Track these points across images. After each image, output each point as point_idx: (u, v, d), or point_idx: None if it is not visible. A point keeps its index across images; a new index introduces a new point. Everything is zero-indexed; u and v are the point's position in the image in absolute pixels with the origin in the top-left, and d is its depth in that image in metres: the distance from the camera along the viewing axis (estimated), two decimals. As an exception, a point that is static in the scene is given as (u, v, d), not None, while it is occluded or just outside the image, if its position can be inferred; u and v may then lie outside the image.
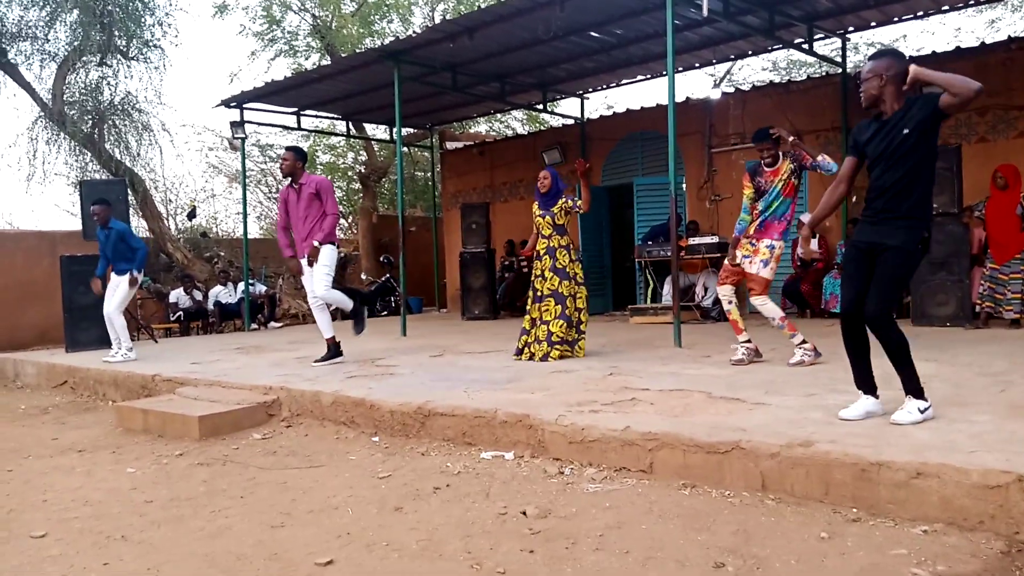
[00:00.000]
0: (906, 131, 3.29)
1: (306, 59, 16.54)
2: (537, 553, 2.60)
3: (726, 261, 5.63)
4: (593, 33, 9.26)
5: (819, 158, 5.21)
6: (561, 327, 5.97)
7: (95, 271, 7.96)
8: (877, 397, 3.52)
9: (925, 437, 3.07)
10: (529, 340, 6.08)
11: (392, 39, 11.87)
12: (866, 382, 3.54)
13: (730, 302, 5.54)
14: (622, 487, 3.27)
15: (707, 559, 2.47)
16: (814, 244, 9.09)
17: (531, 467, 3.66)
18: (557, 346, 5.96)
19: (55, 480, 4.00)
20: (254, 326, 12.05)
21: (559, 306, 5.96)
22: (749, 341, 5.51)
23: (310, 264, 6.20)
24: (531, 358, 6.02)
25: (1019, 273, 7.07)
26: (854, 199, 9.14)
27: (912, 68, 3.24)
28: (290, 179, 6.32)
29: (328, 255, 6.22)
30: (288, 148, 6.40)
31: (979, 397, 3.82)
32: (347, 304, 6.52)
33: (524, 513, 2.99)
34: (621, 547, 2.61)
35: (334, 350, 6.40)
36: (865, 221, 3.52)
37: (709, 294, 9.73)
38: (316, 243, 6.13)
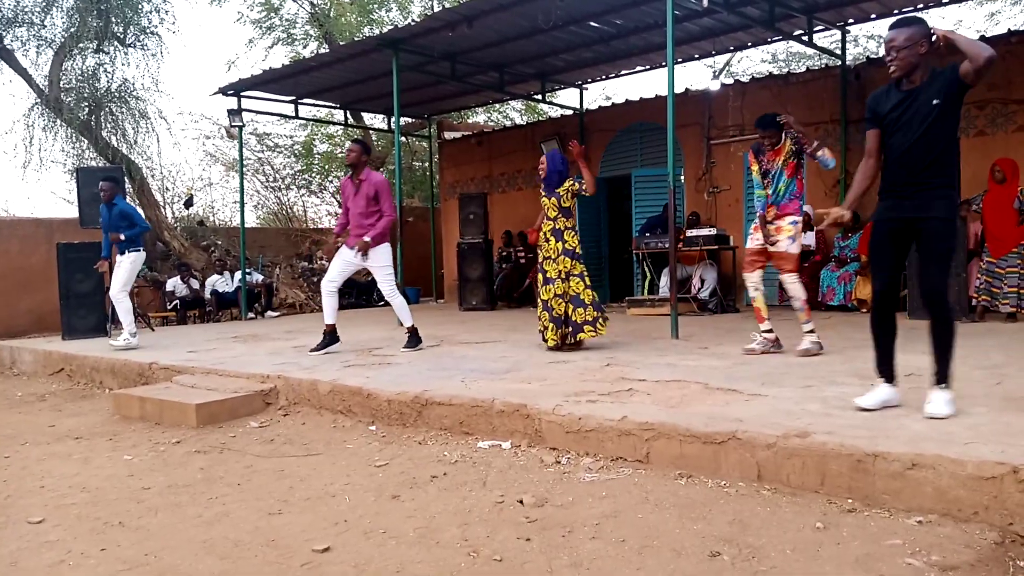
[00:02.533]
0: (936, 101, 3.26)
1: (304, 47, 16.49)
2: (534, 541, 2.61)
3: (750, 244, 5.56)
4: (592, 23, 9.23)
5: (821, 151, 5.20)
6: (579, 311, 5.91)
7: (100, 255, 7.96)
8: (895, 385, 3.51)
9: (921, 428, 3.08)
10: (547, 324, 5.99)
11: (391, 27, 11.83)
12: (890, 369, 3.51)
13: (756, 289, 5.52)
14: (618, 476, 3.28)
15: (703, 548, 2.48)
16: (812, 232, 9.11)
17: (528, 456, 3.67)
18: (585, 327, 5.91)
19: (52, 466, 4.00)
20: (251, 315, 12.04)
21: (566, 284, 5.91)
22: (771, 331, 5.52)
23: (361, 251, 6.27)
24: (556, 344, 5.94)
25: (1016, 267, 7.08)
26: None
27: (940, 29, 3.22)
28: (351, 171, 6.48)
29: (385, 256, 6.39)
30: (355, 140, 6.61)
31: (975, 390, 3.83)
32: (407, 319, 6.56)
33: (521, 502, 3.00)
34: (617, 536, 2.62)
35: (330, 337, 6.42)
36: (894, 196, 3.42)
37: (706, 286, 9.73)
38: (367, 238, 6.26)
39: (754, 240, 5.53)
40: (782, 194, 5.40)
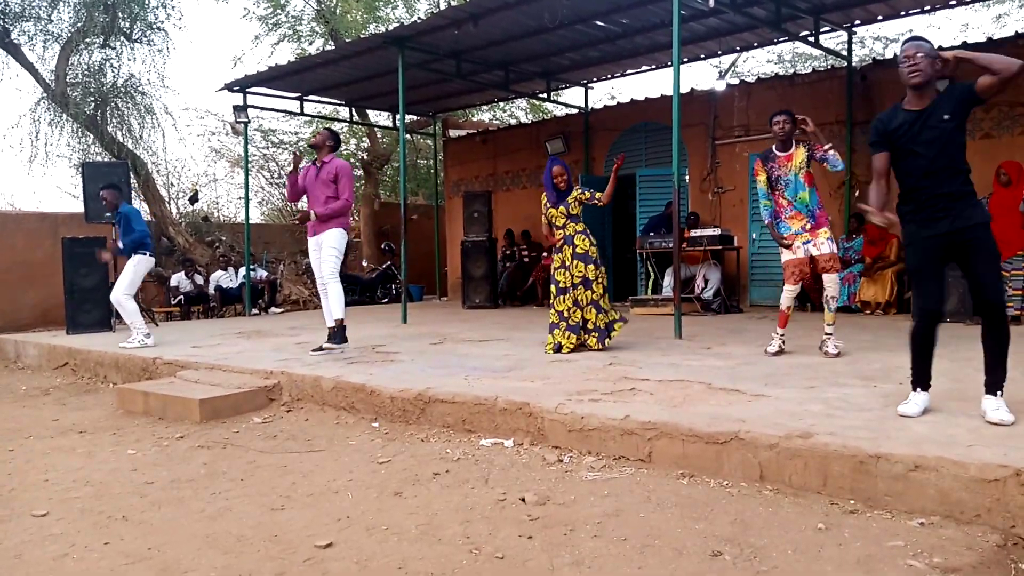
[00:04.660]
0: (947, 117, 3.30)
1: (310, 44, 16.48)
2: (535, 539, 2.62)
3: (791, 256, 5.43)
4: (598, 22, 9.22)
5: (830, 152, 5.19)
6: (594, 314, 5.89)
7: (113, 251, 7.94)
8: (928, 392, 3.52)
9: (924, 431, 3.08)
10: (560, 334, 5.92)
11: (397, 25, 11.83)
12: (927, 379, 3.50)
13: (794, 298, 5.52)
14: (621, 476, 3.29)
15: (704, 548, 2.49)
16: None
17: (530, 455, 3.68)
18: (593, 333, 5.89)
19: (56, 460, 4.01)
20: (255, 311, 12.06)
21: (588, 292, 5.88)
22: (783, 334, 5.52)
23: (304, 221, 6.14)
24: (561, 349, 5.88)
25: (1021, 270, 7.07)
26: (856, 193, 9.17)
27: (950, 52, 3.29)
28: (314, 153, 6.36)
29: (337, 238, 6.15)
30: (327, 128, 6.42)
31: (979, 392, 3.78)
32: (337, 311, 6.12)
33: (523, 500, 3.01)
34: (619, 534, 2.63)
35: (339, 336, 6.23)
36: (926, 214, 3.38)
37: (710, 286, 9.73)
38: (314, 214, 6.10)
39: (796, 251, 5.42)
40: (813, 205, 5.37)
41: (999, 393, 3.29)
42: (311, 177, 6.27)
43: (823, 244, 5.38)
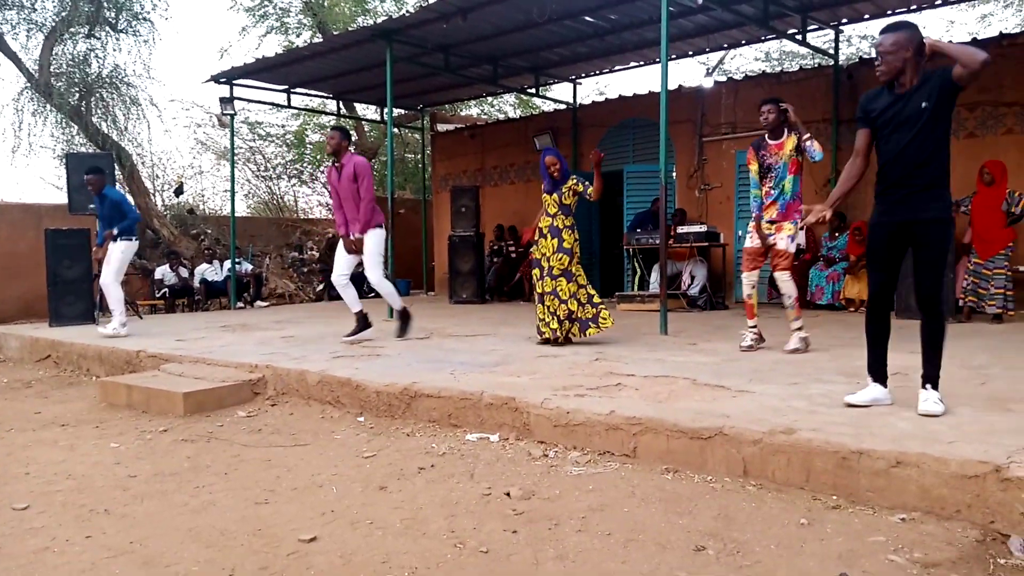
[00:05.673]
0: (925, 104, 3.29)
1: (297, 36, 16.39)
2: (520, 533, 2.62)
3: (749, 244, 5.57)
4: (587, 17, 9.23)
5: (811, 141, 5.22)
6: (577, 306, 5.93)
7: (89, 241, 7.89)
8: (886, 386, 3.54)
9: (906, 427, 3.11)
10: (544, 318, 5.99)
11: (385, 18, 11.78)
12: (881, 370, 3.54)
13: (753, 287, 5.58)
14: (605, 470, 3.30)
15: (688, 542, 2.50)
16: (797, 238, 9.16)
17: (516, 449, 3.68)
18: (576, 324, 5.94)
19: (38, 453, 3.98)
20: (240, 304, 12.00)
21: (572, 284, 5.91)
22: (755, 326, 5.56)
23: (348, 251, 6.39)
24: (554, 340, 5.96)
25: (1003, 268, 7.15)
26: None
27: (928, 40, 3.28)
28: (333, 158, 6.45)
29: (376, 242, 6.31)
30: (334, 127, 6.55)
31: (960, 389, 3.86)
32: (396, 301, 6.56)
33: (508, 494, 3.01)
34: (603, 529, 2.64)
35: (362, 323, 6.49)
36: (888, 199, 3.44)
37: (696, 282, 9.76)
38: (356, 235, 6.32)
39: (753, 239, 5.54)
40: (788, 194, 5.39)
41: (929, 386, 3.34)
42: (335, 180, 6.40)
43: (781, 240, 5.44)
